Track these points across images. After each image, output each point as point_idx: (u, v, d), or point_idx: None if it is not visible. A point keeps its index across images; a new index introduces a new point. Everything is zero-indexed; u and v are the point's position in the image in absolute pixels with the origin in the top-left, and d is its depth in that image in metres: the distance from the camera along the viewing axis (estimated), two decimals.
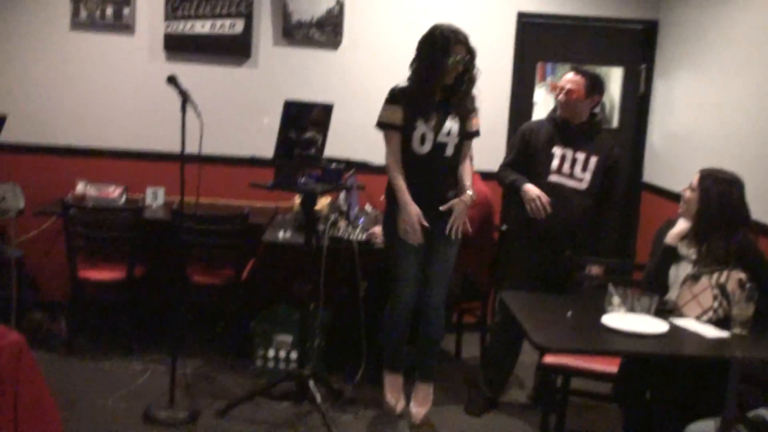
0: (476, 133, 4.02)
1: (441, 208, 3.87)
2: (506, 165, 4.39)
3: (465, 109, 3.92)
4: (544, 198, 4.13)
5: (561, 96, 4.16)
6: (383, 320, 4.10)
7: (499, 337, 4.37)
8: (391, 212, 3.93)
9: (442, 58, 3.76)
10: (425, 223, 3.83)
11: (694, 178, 3.49)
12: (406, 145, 3.86)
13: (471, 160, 4.05)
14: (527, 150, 4.29)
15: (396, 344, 4.11)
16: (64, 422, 2.87)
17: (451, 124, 3.88)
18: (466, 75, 3.84)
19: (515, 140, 4.40)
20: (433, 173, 3.89)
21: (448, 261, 4.01)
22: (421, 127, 3.83)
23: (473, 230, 4.48)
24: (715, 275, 3.29)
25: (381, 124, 3.91)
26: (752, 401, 2.72)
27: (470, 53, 3.84)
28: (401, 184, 3.85)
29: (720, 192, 3.40)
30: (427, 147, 3.84)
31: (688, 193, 3.48)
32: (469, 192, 3.91)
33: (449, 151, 3.89)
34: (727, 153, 4.41)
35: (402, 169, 3.87)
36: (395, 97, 3.88)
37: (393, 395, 4.16)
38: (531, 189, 4.15)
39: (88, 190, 5.18)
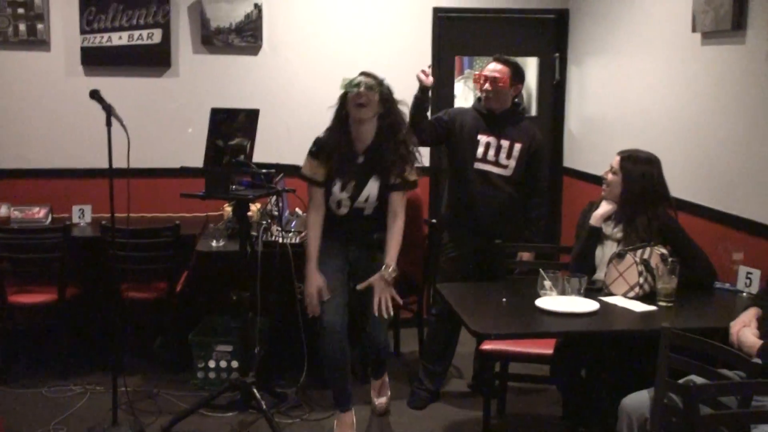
0: (406, 185, 3.76)
1: (359, 287, 3.73)
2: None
3: (390, 162, 3.70)
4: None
5: (486, 85, 4.21)
6: (320, 354, 3.88)
7: (436, 330, 4.44)
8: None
9: (343, 101, 3.71)
10: (325, 296, 3.73)
11: (615, 161, 3.64)
12: (327, 199, 3.80)
13: (400, 217, 3.78)
14: (452, 132, 4.32)
15: (338, 379, 3.88)
16: None
17: (371, 190, 3.73)
18: (386, 121, 3.70)
19: (443, 113, 4.42)
20: (353, 229, 3.84)
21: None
22: (336, 194, 3.74)
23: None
24: (639, 252, 3.44)
25: (303, 177, 3.81)
26: (682, 369, 2.84)
27: (384, 98, 3.68)
28: (312, 250, 3.77)
29: (641, 172, 3.57)
30: (344, 211, 3.79)
31: (610, 176, 3.64)
32: (390, 267, 3.69)
33: (368, 211, 3.79)
34: (641, 134, 4.58)
35: (319, 230, 3.80)
36: (317, 151, 3.76)
37: None
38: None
39: (12, 213, 5.08)
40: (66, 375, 4.74)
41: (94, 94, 3.72)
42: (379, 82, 3.68)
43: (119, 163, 3.74)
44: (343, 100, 3.71)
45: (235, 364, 4.56)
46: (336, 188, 3.71)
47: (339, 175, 3.69)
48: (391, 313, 3.71)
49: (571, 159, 5.78)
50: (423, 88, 4.16)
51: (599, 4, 5.28)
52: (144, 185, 5.00)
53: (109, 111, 3.72)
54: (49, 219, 5.14)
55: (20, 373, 4.79)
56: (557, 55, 5.82)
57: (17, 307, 4.77)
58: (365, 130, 3.70)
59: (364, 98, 3.61)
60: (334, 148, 3.68)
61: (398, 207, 3.75)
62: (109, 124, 3.73)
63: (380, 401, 4.26)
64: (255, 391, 4.09)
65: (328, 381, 3.95)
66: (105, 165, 3.79)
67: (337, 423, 3.94)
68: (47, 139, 5.42)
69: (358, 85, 3.62)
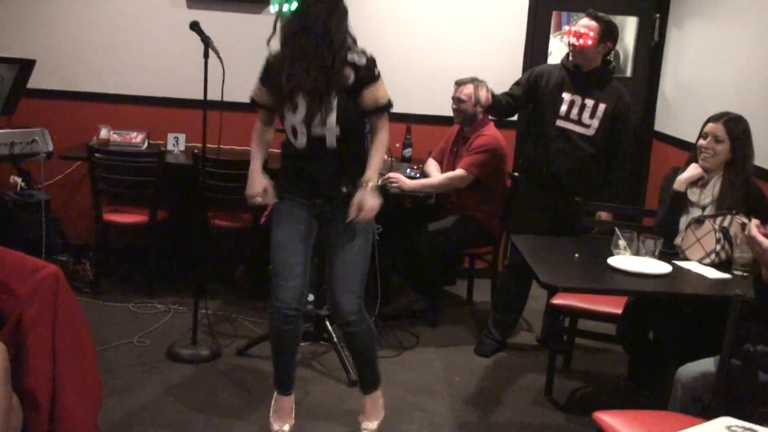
0: (380, 109, 3.16)
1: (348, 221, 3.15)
2: (506, 93, 4.41)
3: (349, 83, 3.09)
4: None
5: (573, 40, 4.15)
6: (268, 332, 3.48)
7: (508, 280, 4.50)
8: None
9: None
10: (270, 199, 3.28)
11: (716, 128, 3.50)
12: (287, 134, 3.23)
13: (381, 131, 3.20)
14: (535, 92, 4.32)
15: (282, 362, 3.44)
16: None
17: (329, 112, 3.07)
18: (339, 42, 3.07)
19: (524, 78, 4.43)
20: (316, 170, 3.20)
21: (354, 257, 3.26)
22: (289, 119, 3.14)
23: (484, 175, 4.60)
24: (719, 219, 3.40)
25: (251, 101, 3.32)
26: (751, 339, 2.83)
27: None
28: (255, 151, 3.32)
29: (746, 136, 3.49)
30: (302, 141, 3.15)
31: (714, 144, 3.51)
32: (370, 183, 3.12)
33: (331, 142, 3.13)
34: (736, 101, 4.46)
35: (263, 140, 3.34)
36: (263, 73, 3.22)
37: (277, 421, 3.46)
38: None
39: (112, 136, 5.29)
40: (152, 293, 5.00)
41: (194, 26, 3.84)
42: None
43: (214, 95, 3.88)
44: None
45: (311, 297, 4.71)
46: (287, 111, 3.13)
47: (290, 96, 3.10)
48: (365, 219, 3.14)
49: (663, 123, 5.68)
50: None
51: None
52: (237, 118, 5.14)
53: (207, 43, 3.85)
54: (146, 144, 5.35)
55: (110, 288, 5.07)
56: (658, 15, 5.68)
57: (111, 225, 5.05)
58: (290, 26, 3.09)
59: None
60: (282, 66, 3.09)
61: (377, 126, 3.19)
62: (206, 55, 3.86)
63: (369, 425, 3.49)
64: (327, 323, 4.25)
65: (273, 360, 3.48)
66: (201, 96, 3.94)
67: (274, 405, 3.50)
68: (149, 67, 5.62)
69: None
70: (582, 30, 4.13)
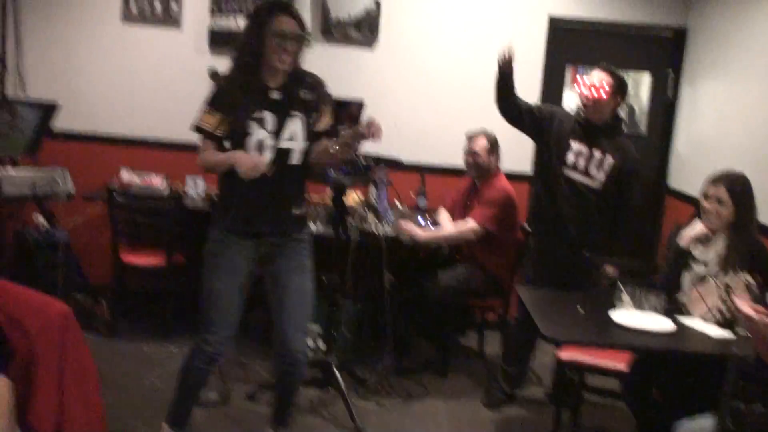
0: (329, 132, 3.29)
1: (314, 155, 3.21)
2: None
3: (310, 104, 3.23)
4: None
5: (586, 92, 4.18)
6: (182, 364, 3.43)
7: (516, 332, 4.52)
8: (213, 235, 3.33)
9: (262, 30, 3.10)
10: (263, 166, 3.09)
11: (718, 190, 3.52)
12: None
13: None
14: (544, 127, 4.32)
15: (189, 397, 3.45)
16: (104, 397, 3.09)
17: (294, 126, 3.18)
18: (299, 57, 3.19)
19: (540, 105, 4.48)
20: (276, 187, 3.19)
21: (307, 297, 3.34)
22: (254, 135, 3.13)
23: (495, 227, 4.65)
24: (723, 277, 3.42)
25: (199, 130, 3.21)
26: (746, 398, 2.83)
27: (303, 30, 3.17)
28: (220, 155, 3.17)
29: (750, 197, 3.52)
30: (267, 155, 3.14)
31: (715, 207, 3.52)
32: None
33: (296, 159, 3.20)
34: (750, 160, 4.50)
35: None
36: (218, 99, 3.19)
37: None
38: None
39: (133, 178, 5.39)
40: (166, 335, 5.05)
41: (214, 76, 3.95)
42: (306, 33, 3.20)
43: None
44: (257, 35, 3.13)
45: (321, 344, 4.75)
46: (253, 128, 3.12)
47: (254, 112, 3.13)
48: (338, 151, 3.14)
49: (677, 180, 5.72)
50: (502, 70, 4.17)
51: (719, 24, 5.21)
52: None
53: None
54: (165, 187, 5.45)
55: (125, 329, 5.14)
56: (671, 72, 5.76)
57: (129, 267, 5.13)
58: (274, 58, 3.15)
59: (288, 56, 3.14)
60: (242, 88, 3.14)
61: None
62: None
63: None
64: (336, 371, 4.27)
65: (178, 396, 3.46)
66: None
67: None
68: (171, 111, 5.75)
69: (284, 36, 3.10)
70: (596, 83, 4.18)
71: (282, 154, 3.17)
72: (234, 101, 3.14)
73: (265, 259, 3.31)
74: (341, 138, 3.20)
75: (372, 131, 3.10)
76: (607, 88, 4.16)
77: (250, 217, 3.22)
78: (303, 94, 3.21)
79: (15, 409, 2.50)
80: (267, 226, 3.25)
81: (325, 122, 3.28)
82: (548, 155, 4.33)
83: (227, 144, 3.18)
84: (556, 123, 4.31)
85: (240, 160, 3.07)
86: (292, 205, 3.26)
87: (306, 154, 3.23)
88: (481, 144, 4.77)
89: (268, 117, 3.15)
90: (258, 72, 3.17)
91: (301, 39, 3.14)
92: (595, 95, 4.16)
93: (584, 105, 4.23)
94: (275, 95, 3.19)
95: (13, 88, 5.58)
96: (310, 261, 3.35)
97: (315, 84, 3.27)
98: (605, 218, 4.28)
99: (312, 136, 3.24)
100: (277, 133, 3.15)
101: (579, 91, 4.26)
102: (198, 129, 3.20)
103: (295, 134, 3.18)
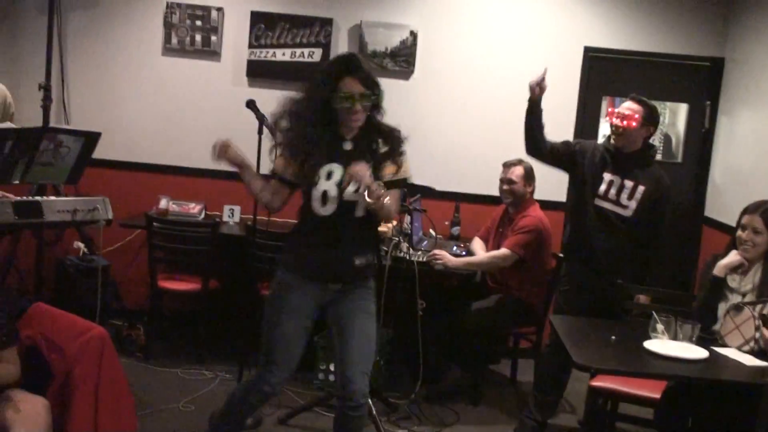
0: (399, 183, 3.25)
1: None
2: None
3: (379, 154, 3.21)
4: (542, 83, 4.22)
5: (617, 122, 4.20)
6: (234, 394, 3.44)
7: (549, 361, 4.49)
8: (279, 277, 3.35)
9: (326, 94, 3.12)
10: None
11: (754, 220, 3.53)
12: (307, 202, 3.22)
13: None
14: (574, 163, 4.34)
15: (233, 426, 3.48)
16: (139, 419, 3.15)
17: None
18: (376, 114, 3.21)
19: (574, 141, 4.50)
20: (337, 237, 3.19)
21: (371, 339, 3.28)
22: (320, 185, 3.14)
23: (528, 255, 4.65)
24: (759, 306, 3.39)
25: (273, 174, 3.32)
26: None
27: (370, 88, 3.14)
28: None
29: None
30: (329, 208, 3.16)
31: (753, 236, 3.52)
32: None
33: (360, 211, 3.17)
34: None
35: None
36: (289, 143, 3.23)
37: None
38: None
39: (171, 206, 5.50)
40: (200, 360, 5.12)
41: (250, 104, 4.05)
42: (372, 92, 3.15)
43: (267, 169, 4.02)
44: (325, 101, 3.15)
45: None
46: (321, 177, 3.15)
47: (323, 162, 3.15)
48: (354, 172, 3.00)
49: (713, 209, 5.68)
50: (531, 101, 4.19)
51: (756, 54, 5.20)
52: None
53: (261, 120, 4.05)
54: (203, 215, 5.55)
55: (161, 353, 5.21)
56: (708, 102, 5.74)
57: (165, 292, 5.22)
58: (343, 119, 3.19)
59: (359, 114, 3.15)
60: (316, 137, 3.15)
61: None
62: (260, 132, 4.05)
63: None
64: (372, 408, 4.25)
65: (224, 421, 3.46)
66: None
67: None
68: (209, 141, 5.76)
69: (351, 98, 3.10)
70: (626, 112, 4.19)
71: (345, 207, 3.16)
72: (305, 150, 3.16)
73: (331, 304, 3.31)
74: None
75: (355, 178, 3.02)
76: (637, 117, 4.18)
77: (314, 262, 3.23)
78: (376, 145, 3.21)
79: (52, 429, 2.56)
80: (329, 273, 3.24)
81: (387, 172, 3.21)
82: (582, 187, 4.34)
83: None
84: (588, 156, 4.33)
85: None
86: (354, 256, 3.22)
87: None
88: (518, 172, 4.80)
89: (336, 169, 3.14)
90: (332, 126, 3.19)
91: (367, 98, 3.12)
92: (624, 124, 4.18)
93: (614, 134, 4.25)
94: (347, 146, 3.20)
95: (57, 118, 5.74)
96: (374, 306, 3.32)
97: (391, 136, 3.24)
98: (638, 247, 4.27)
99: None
100: (342, 185, 3.12)
101: (609, 121, 4.28)
102: (272, 173, 3.31)
103: (360, 187, 3.07)
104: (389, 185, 3.13)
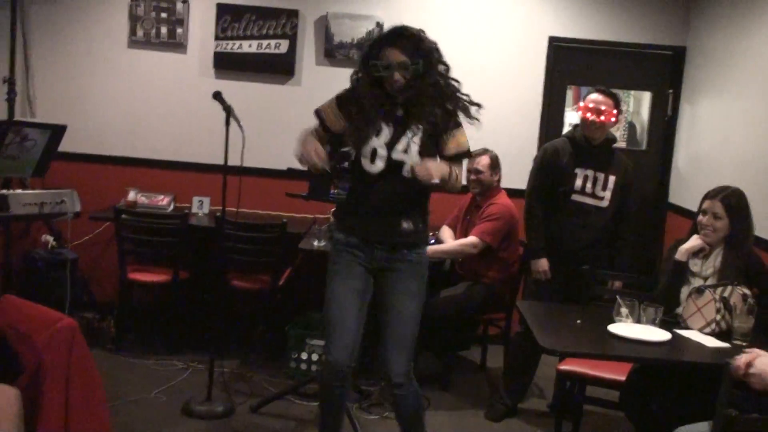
0: (459, 156, 3.30)
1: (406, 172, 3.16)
2: (534, 189, 4.56)
3: (433, 125, 3.23)
4: (548, 274, 4.44)
5: (593, 117, 4.35)
6: (319, 383, 3.50)
7: (519, 346, 4.57)
8: (333, 240, 3.39)
9: (368, 62, 3.18)
10: (320, 162, 3.11)
11: (714, 206, 3.61)
12: (357, 159, 3.25)
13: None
14: (552, 170, 4.50)
15: (328, 413, 3.42)
16: (110, 410, 3.16)
17: (411, 139, 3.18)
18: (421, 82, 3.18)
19: (539, 161, 4.59)
20: (386, 197, 3.22)
21: (412, 319, 3.30)
22: (370, 143, 3.19)
23: (496, 242, 4.72)
24: (719, 289, 3.47)
25: (317, 115, 3.31)
26: (747, 407, 2.88)
27: (418, 55, 3.18)
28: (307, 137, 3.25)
29: (746, 211, 3.59)
30: (379, 165, 3.19)
31: (714, 221, 3.60)
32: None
33: (407, 171, 3.17)
34: (748, 175, 4.57)
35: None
36: (345, 98, 3.26)
37: None
38: (540, 264, 4.45)
39: (139, 198, 5.50)
40: (171, 351, 5.13)
41: (217, 96, 4.05)
42: (412, 61, 3.16)
43: (236, 160, 4.04)
44: (368, 70, 3.20)
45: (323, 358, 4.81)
46: (371, 136, 3.19)
47: (373, 121, 3.19)
48: (421, 170, 3.04)
49: (677, 196, 5.78)
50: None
51: (717, 43, 5.29)
52: (258, 183, 5.35)
53: (228, 111, 4.05)
54: (172, 207, 5.55)
55: (131, 345, 5.21)
56: (671, 91, 5.84)
57: (135, 284, 5.22)
58: (388, 85, 3.21)
59: (398, 83, 3.15)
60: (367, 97, 3.19)
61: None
62: (227, 123, 4.06)
63: None
64: None
65: (320, 416, 3.49)
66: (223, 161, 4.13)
67: None
68: (176, 133, 5.86)
69: (388, 68, 3.14)
70: (602, 107, 4.35)
71: (394, 166, 3.18)
72: (360, 108, 3.20)
73: (379, 275, 3.31)
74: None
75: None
76: (614, 111, 4.36)
77: (363, 224, 3.26)
78: (434, 118, 3.21)
79: (23, 419, 2.56)
80: (377, 236, 3.25)
81: (452, 146, 3.26)
82: (554, 185, 4.48)
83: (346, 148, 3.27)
84: (557, 160, 4.47)
85: (302, 145, 3.18)
86: (401, 218, 3.25)
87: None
88: (485, 162, 4.86)
89: (386, 129, 3.19)
90: (383, 88, 3.20)
91: (406, 66, 3.13)
92: (603, 119, 4.34)
93: (589, 128, 4.39)
94: (399, 111, 3.22)
95: (22, 112, 5.69)
96: (421, 285, 3.33)
97: (448, 108, 3.26)
98: (610, 236, 4.48)
99: (429, 152, 3.21)
100: (391, 145, 3.18)
101: (583, 115, 4.41)
102: (317, 113, 3.29)
103: (411, 147, 3.18)
104: (451, 159, 3.22)
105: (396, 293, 3.28)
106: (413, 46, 3.17)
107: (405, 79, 3.14)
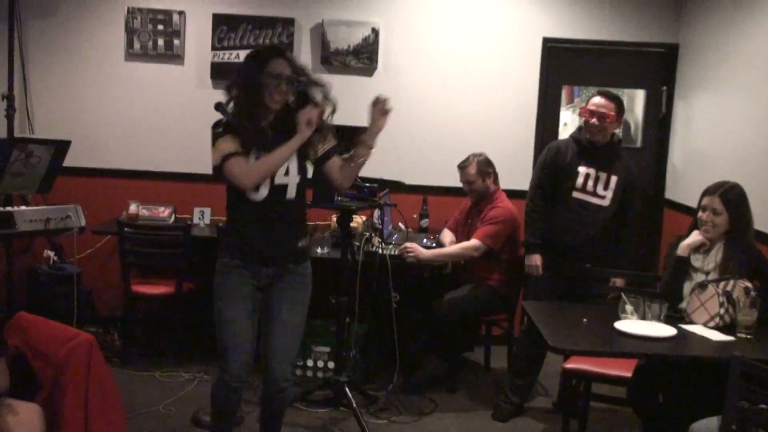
0: (336, 148, 3.42)
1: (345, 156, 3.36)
2: (535, 187, 4.63)
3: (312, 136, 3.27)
4: (539, 269, 4.54)
5: (595, 120, 4.41)
6: (212, 395, 3.51)
7: (524, 346, 4.61)
8: (219, 265, 3.40)
9: (258, 74, 3.18)
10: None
11: (713, 201, 3.64)
12: (240, 192, 3.24)
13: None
14: (554, 168, 4.56)
15: (223, 422, 3.53)
16: None
17: (288, 163, 3.24)
18: (301, 98, 3.28)
19: (542, 159, 4.66)
20: (273, 223, 3.28)
21: (297, 329, 3.43)
22: None
23: (498, 244, 4.76)
24: (722, 284, 3.52)
25: (226, 156, 3.17)
26: (755, 399, 2.92)
27: (296, 71, 3.26)
28: (268, 156, 3.22)
29: (745, 206, 3.64)
30: (263, 193, 3.23)
31: (712, 217, 3.64)
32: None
33: (291, 194, 3.27)
34: (744, 169, 4.62)
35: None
36: (225, 128, 3.23)
37: None
38: (533, 258, 4.56)
39: (141, 211, 5.51)
40: (178, 362, 5.15)
41: (218, 107, 4.06)
42: (298, 76, 3.25)
43: None
44: (253, 75, 3.21)
45: (331, 364, 4.84)
46: (251, 159, 3.21)
47: (252, 147, 3.21)
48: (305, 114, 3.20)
49: (673, 192, 5.83)
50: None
51: (709, 40, 5.35)
52: None
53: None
54: (173, 218, 5.56)
55: (137, 358, 5.23)
56: (665, 88, 5.89)
57: (139, 297, 5.23)
58: (270, 100, 3.25)
59: (282, 95, 3.23)
60: (247, 122, 3.21)
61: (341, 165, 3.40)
62: None
63: None
64: (347, 390, 4.35)
65: (212, 424, 3.60)
66: None
67: None
68: (175, 144, 5.88)
69: (279, 77, 3.19)
70: (603, 111, 4.40)
71: (277, 190, 3.24)
72: (241, 131, 3.20)
73: (267, 288, 3.38)
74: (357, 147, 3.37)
75: (380, 107, 3.34)
76: (612, 114, 4.42)
77: (251, 247, 3.29)
78: (296, 118, 3.24)
79: None
80: (272, 258, 3.32)
81: (325, 146, 3.38)
82: (557, 183, 4.55)
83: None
84: (560, 158, 4.54)
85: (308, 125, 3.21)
86: (295, 238, 3.35)
87: (301, 187, 3.32)
88: (472, 171, 4.91)
89: (262, 154, 3.21)
90: (258, 110, 3.23)
91: (292, 81, 3.21)
92: (606, 122, 4.41)
93: (591, 131, 4.45)
94: (270, 134, 3.25)
95: (21, 128, 5.71)
96: (305, 296, 3.44)
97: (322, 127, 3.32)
98: (611, 234, 4.52)
99: (304, 169, 3.32)
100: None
101: (585, 117, 4.47)
102: (225, 158, 3.18)
103: (290, 168, 3.26)
104: (329, 153, 3.37)
105: (282, 304, 3.37)
106: (295, 63, 3.29)
107: (288, 94, 3.23)
